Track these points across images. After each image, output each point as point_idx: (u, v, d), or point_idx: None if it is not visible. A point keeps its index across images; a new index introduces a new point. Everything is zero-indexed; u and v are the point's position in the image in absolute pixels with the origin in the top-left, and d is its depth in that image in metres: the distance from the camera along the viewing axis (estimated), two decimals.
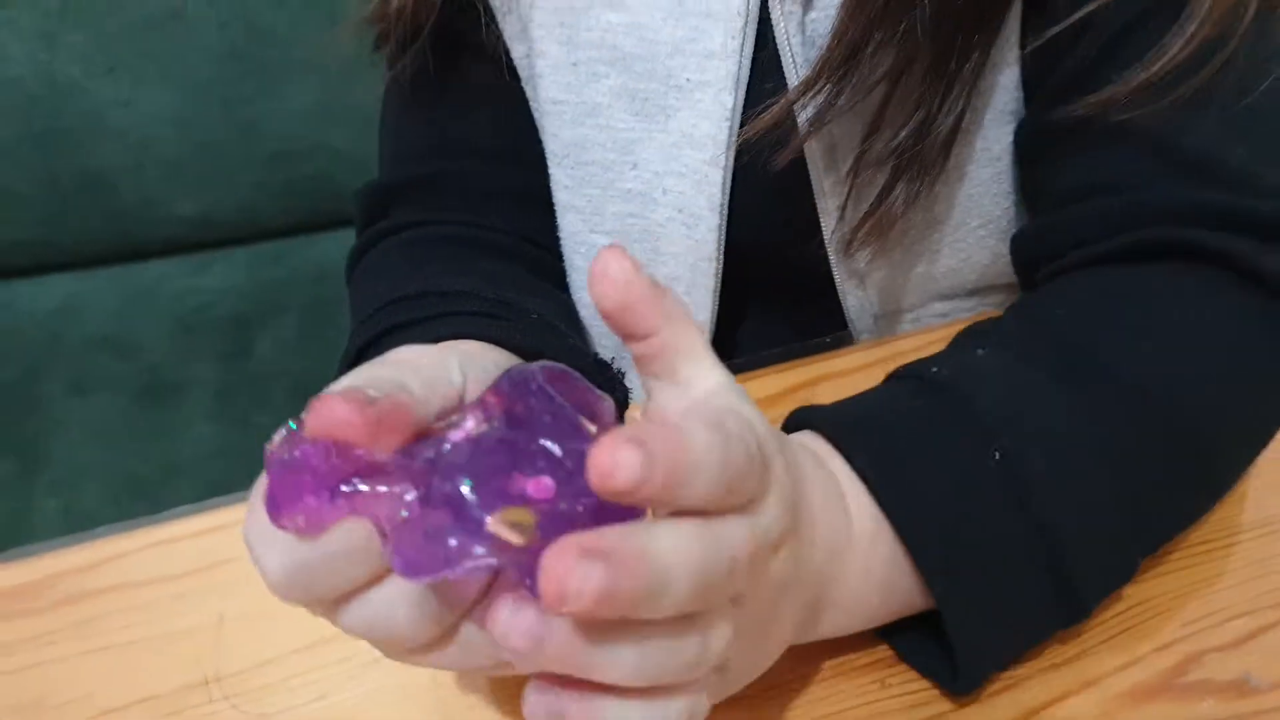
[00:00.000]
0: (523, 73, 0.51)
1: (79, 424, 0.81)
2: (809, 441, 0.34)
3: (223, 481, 0.77)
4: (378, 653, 0.28)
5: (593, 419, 0.26)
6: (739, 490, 0.25)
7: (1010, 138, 0.47)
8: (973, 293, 0.52)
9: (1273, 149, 0.41)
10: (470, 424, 0.25)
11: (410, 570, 0.24)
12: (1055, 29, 0.42)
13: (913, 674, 0.35)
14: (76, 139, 0.89)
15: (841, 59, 0.41)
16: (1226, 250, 0.38)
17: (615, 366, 0.41)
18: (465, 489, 0.24)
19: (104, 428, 0.81)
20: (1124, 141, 0.42)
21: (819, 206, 0.48)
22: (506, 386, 0.26)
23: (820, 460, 0.33)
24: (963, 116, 0.44)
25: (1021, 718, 0.34)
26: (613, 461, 0.22)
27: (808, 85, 0.42)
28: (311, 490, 0.25)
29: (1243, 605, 0.37)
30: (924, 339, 0.49)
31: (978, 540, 0.32)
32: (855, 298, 0.51)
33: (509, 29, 0.50)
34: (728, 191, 0.47)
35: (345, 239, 0.89)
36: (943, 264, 0.50)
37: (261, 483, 0.27)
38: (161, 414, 0.81)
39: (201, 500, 0.74)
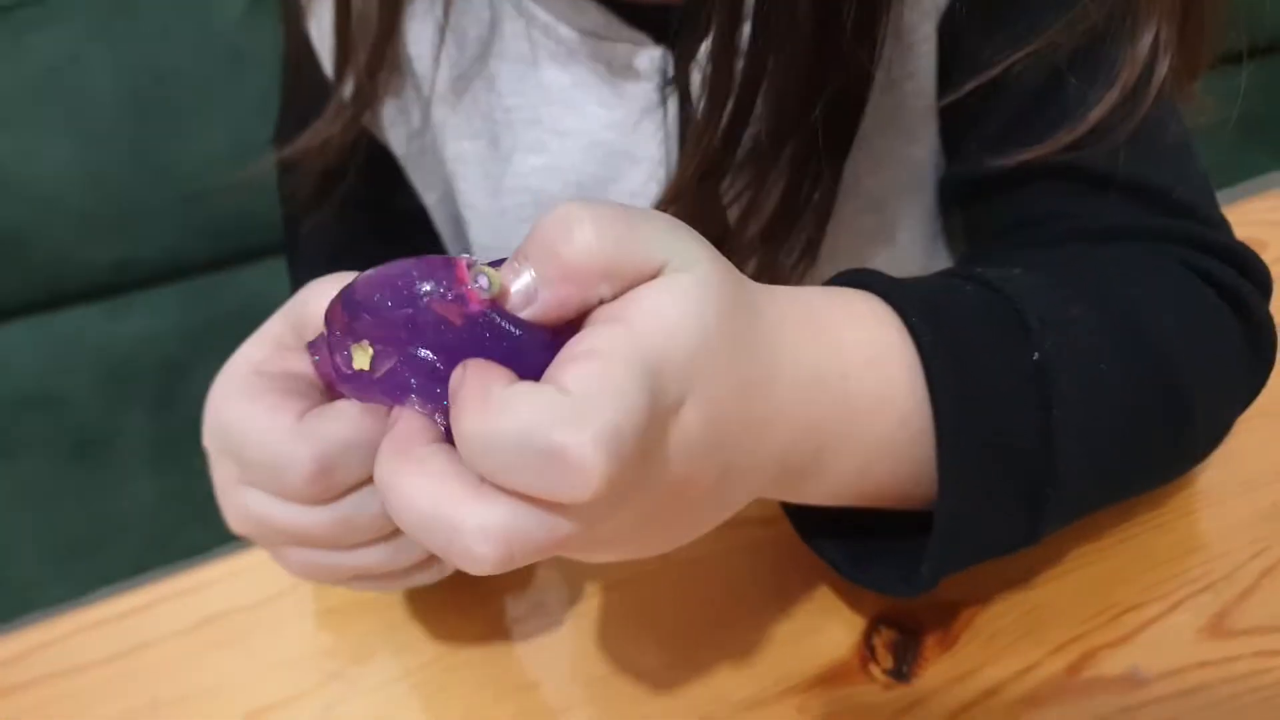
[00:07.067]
0: (435, 215, 0.53)
1: (8, 487, 0.81)
2: (854, 298, 0.34)
3: (166, 534, 0.77)
4: None
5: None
6: None
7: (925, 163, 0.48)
8: None
9: (1202, 187, 0.43)
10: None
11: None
12: (968, 85, 0.43)
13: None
14: None
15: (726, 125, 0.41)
16: (1204, 269, 0.39)
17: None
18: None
19: (35, 490, 0.80)
20: (1065, 178, 0.43)
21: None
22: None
23: (857, 316, 0.33)
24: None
25: None
26: None
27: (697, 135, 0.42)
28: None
29: (1131, 599, 0.39)
30: None
31: (997, 432, 0.33)
32: None
33: (420, 181, 0.52)
34: None
35: (271, 269, 0.89)
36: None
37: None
38: (95, 471, 0.81)
39: (142, 558, 0.74)
